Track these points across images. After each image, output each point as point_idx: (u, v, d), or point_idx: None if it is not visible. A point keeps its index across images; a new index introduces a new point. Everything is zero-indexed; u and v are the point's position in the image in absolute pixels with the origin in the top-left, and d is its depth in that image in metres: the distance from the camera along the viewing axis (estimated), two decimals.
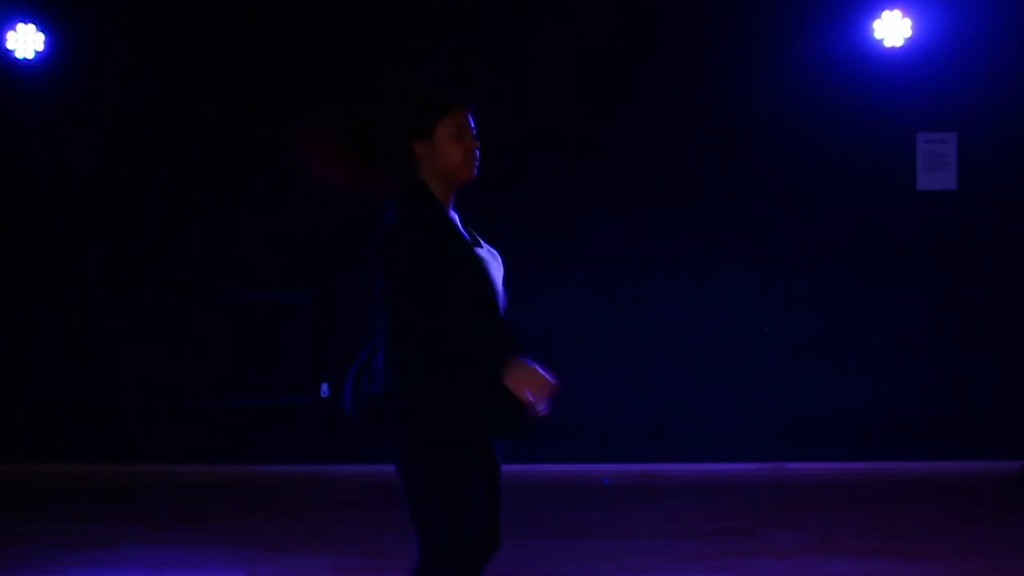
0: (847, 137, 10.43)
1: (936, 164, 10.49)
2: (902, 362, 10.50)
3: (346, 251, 10.65)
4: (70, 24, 10.42)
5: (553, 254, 10.57)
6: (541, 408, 3.73)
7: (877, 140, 10.45)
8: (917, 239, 10.52)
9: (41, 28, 10.35)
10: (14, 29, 10.32)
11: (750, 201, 10.54)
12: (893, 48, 10.20)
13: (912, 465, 10.25)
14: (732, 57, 10.42)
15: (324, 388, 10.64)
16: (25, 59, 10.36)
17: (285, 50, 10.50)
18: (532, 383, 3.69)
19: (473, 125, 4.01)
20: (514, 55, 10.48)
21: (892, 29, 10.17)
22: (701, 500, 9.33)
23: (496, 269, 4.00)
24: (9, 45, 10.34)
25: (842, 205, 10.51)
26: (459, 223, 4.01)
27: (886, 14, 10.17)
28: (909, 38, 10.18)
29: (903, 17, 10.16)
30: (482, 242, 4.08)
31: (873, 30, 10.20)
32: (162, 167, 10.61)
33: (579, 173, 10.56)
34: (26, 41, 10.34)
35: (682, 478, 10.09)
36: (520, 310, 11.22)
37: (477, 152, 3.99)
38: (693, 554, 7.53)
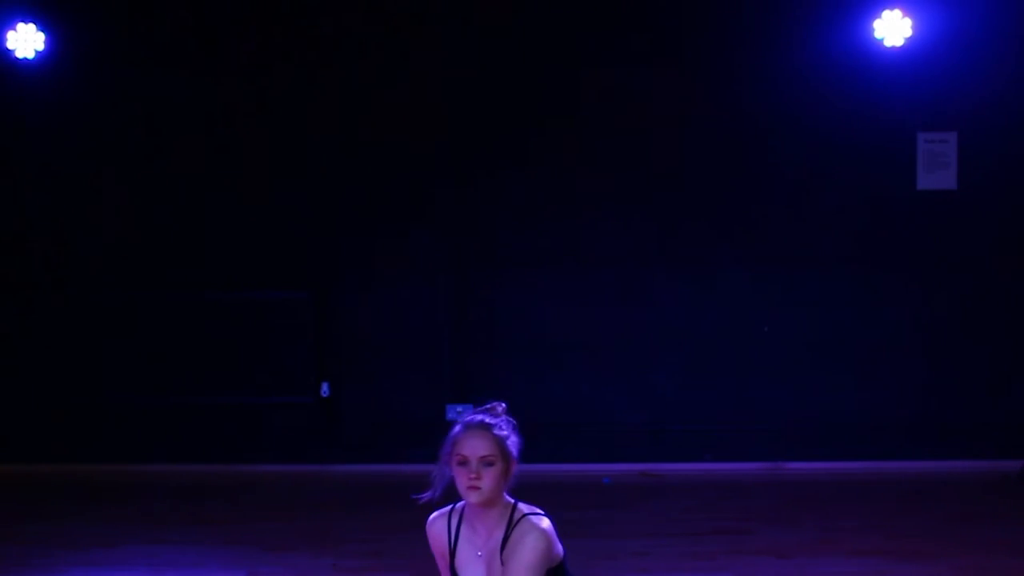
0: (847, 137, 10.42)
1: (936, 164, 10.49)
2: (902, 362, 10.49)
3: (346, 251, 10.66)
4: (70, 24, 10.41)
5: (553, 254, 10.57)
6: None
7: (877, 140, 10.44)
8: (917, 239, 10.51)
9: (41, 28, 10.34)
10: (14, 29, 10.31)
11: (750, 201, 10.53)
12: (893, 48, 10.19)
13: (912, 465, 10.25)
14: (732, 57, 10.41)
15: (324, 388, 10.64)
16: (25, 59, 10.36)
17: (286, 47, 10.50)
18: None
19: (482, 448, 4.25)
20: (516, 54, 10.48)
21: (892, 29, 10.15)
22: (701, 500, 9.33)
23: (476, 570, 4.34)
24: (9, 45, 10.33)
25: (842, 205, 10.50)
26: (462, 530, 4.37)
27: (886, 14, 10.15)
28: (909, 38, 10.16)
29: (903, 17, 10.14)
30: (486, 546, 4.33)
31: (873, 30, 10.19)
32: (162, 166, 10.61)
33: (579, 173, 10.55)
34: (26, 41, 10.33)
35: (682, 478, 10.09)
36: (520, 310, 11.24)
37: (479, 481, 4.24)
38: (693, 554, 7.53)
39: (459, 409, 10.38)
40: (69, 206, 10.66)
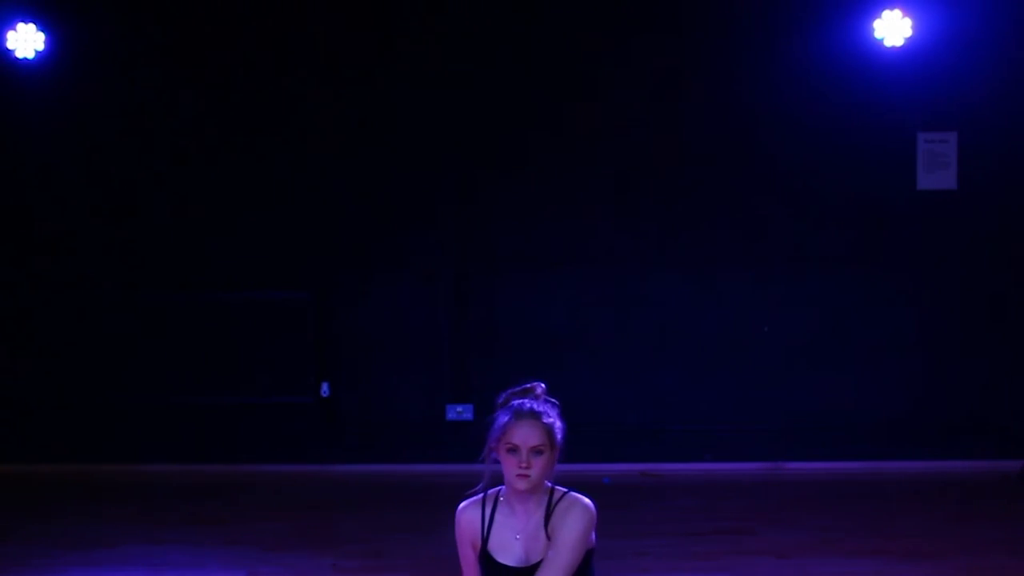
0: (847, 137, 10.42)
1: (936, 164, 10.49)
2: (902, 362, 10.49)
3: (346, 251, 10.66)
4: (70, 24, 10.41)
5: (553, 254, 10.57)
6: None
7: (877, 140, 10.45)
8: (917, 239, 10.52)
9: (41, 28, 10.34)
10: (14, 29, 10.31)
11: (750, 201, 10.53)
12: (893, 48, 10.19)
13: (912, 465, 10.25)
14: (733, 57, 10.41)
15: (324, 388, 10.64)
16: (25, 59, 10.36)
17: (286, 48, 10.50)
18: None
19: (534, 438, 4.25)
20: (517, 57, 10.48)
21: (892, 29, 10.16)
22: (701, 500, 9.33)
23: (515, 552, 4.35)
24: (9, 45, 10.33)
25: (842, 205, 10.50)
26: (497, 516, 4.36)
27: (886, 14, 10.16)
28: (909, 38, 10.17)
29: (903, 17, 10.15)
30: (526, 528, 4.34)
31: (873, 30, 10.19)
32: (162, 167, 10.61)
33: (579, 173, 10.55)
34: (26, 41, 10.33)
35: (682, 478, 10.10)
36: (520, 310, 11.22)
37: (529, 470, 4.25)
38: (693, 554, 7.53)
39: (459, 409, 10.38)
40: (69, 206, 10.65)
